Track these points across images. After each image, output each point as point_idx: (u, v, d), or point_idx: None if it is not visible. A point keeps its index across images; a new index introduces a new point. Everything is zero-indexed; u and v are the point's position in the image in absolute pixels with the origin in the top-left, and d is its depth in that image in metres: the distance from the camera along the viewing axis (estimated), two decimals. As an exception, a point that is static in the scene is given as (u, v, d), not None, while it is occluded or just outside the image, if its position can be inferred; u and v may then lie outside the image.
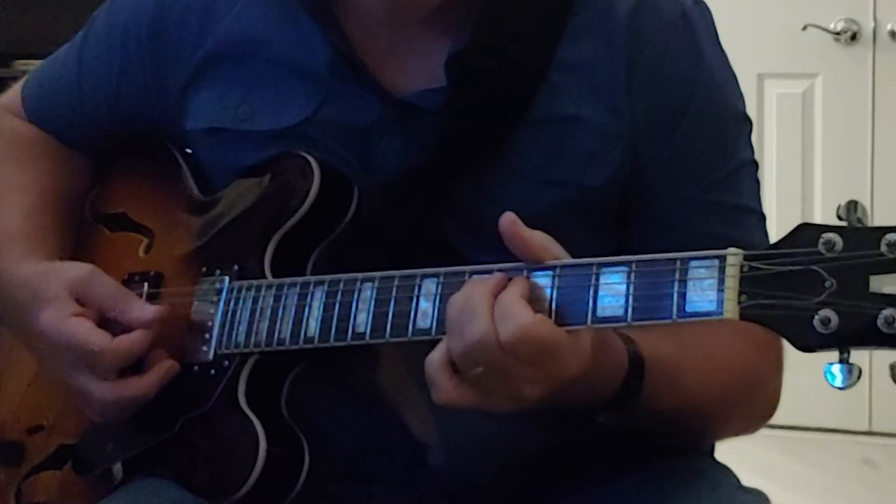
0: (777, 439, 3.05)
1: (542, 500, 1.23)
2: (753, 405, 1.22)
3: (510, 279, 1.02)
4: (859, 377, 0.93)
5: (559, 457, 1.23)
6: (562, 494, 1.22)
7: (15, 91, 1.45)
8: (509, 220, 1.03)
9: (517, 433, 1.19)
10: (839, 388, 0.94)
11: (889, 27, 3.36)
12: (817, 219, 3.48)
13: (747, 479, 1.23)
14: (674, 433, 1.18)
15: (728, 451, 1.29)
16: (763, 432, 1.26)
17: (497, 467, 1.22)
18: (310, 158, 1.20)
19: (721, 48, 1.25)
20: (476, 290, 1.01)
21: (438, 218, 1.20)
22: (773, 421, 1.25)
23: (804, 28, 3.39)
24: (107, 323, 1.19)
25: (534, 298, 1.01)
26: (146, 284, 1.27)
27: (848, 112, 3.42)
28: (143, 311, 1.20)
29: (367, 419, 1.22)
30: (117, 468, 1.24)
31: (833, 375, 0.94)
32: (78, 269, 1.23)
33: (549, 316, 1.00)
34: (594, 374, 1.04)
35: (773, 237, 1.22)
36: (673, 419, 1.14)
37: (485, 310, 0.99)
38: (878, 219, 0.95)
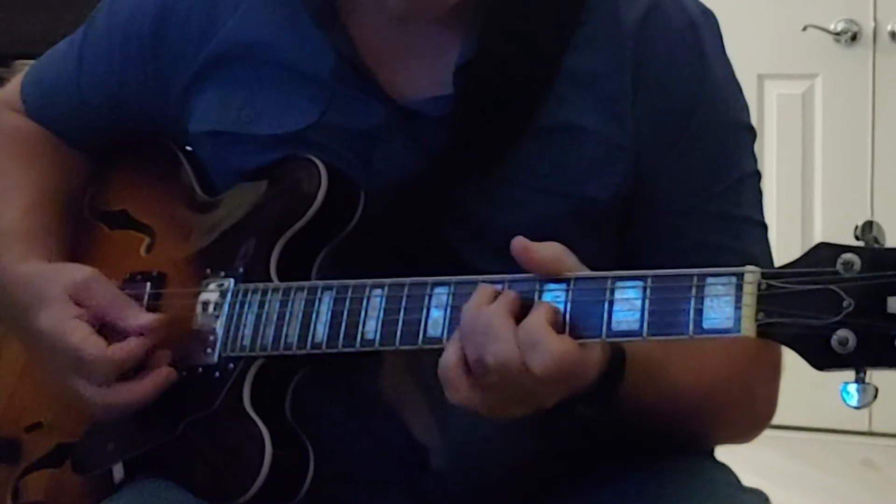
0: (777, 439, 3.04)
1: (543, 502, 1.23)
2: (742, 413, 1.22)
3: (522, 297, 1.03)
4: (875, 397, 0.94)
5: (560, 459, 1.23)
6: (562, 496, 1.23)
7: (14, 86, 1.44)
8: (520, 246, 1.04)
9: (518, 437, 1.19)
10: (855, 408, 0.94)
11: (889, 28, 3.36)
12: (817, 220, 3.51)
13: (747, 479, 1.23)
14: (656, 431, 1.18)
15: (728, 451, 1.29)
16: (763, 432, 1.26)
17: (499, 470, 1.22)
18: (317, 162, 1.19)
19: (727, 58, 1.25)
20: (493, 310, 1.02)
21: (442, 224, 1.20)
22: (773, 421, 1.25)
23: (804, 29, 3.39)
24: (107, 326, 1.19)
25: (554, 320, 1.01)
26: (148, 284, 1.27)
27: (848, 113, 3.42)
28: (141, 319, 1.19)
29: (369, 422, 1.22)
30: (118, 468, 1.23)
31: (849, 394, 0.94)
32: (79, 272, 1.23)
33: (564, 330, 1.01)
34: None
35: (773, 238, 1.23)
36: (653, 416, 1.14)
37: (509, 334, 1.00)
38: (878, 219, 0.95)
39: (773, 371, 1.22)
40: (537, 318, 1.00)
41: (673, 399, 1.14)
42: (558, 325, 1.01)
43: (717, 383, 1.17)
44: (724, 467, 1.26)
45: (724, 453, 1.29)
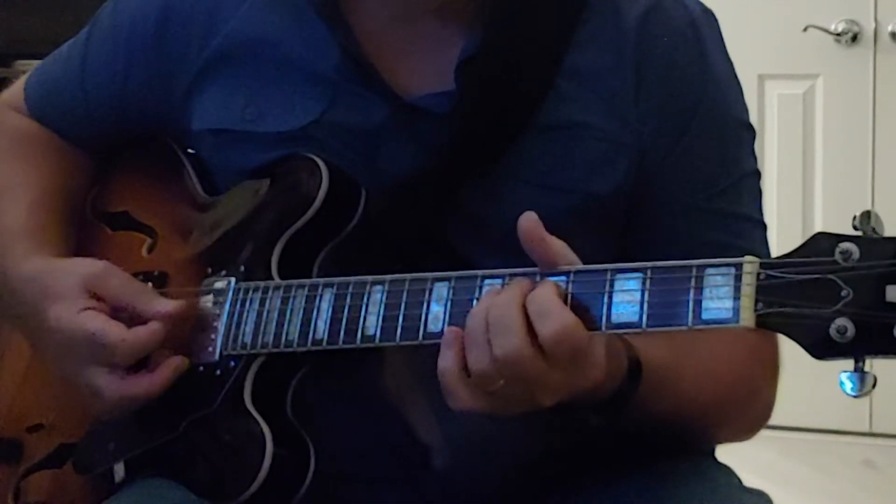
0: (777, 440, 3.05)
1: (544, 502, 1.23)
2: (744, 414, 1.23)
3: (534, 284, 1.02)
4: (873, 386, 0.94)
5: (561, 458, 1.23)
6: (563, 495, 1.23)
7: (17, 87, 1.44)
8: (532, 220, 1.04)
9: (520, 435, 1.19)
10: (853, 396, 0.94)
11: (890, 28, 3.36)
12: (818, 220, 3.51)
13: (747, 479, 1.23)
14: (663, 436, 1.18)
15: (728, 452, 1.29)
16: (763, 433, 1.26)
17: (499, 469, 1.22)
18: (318, 160, 1.19)
19: (727, 57, 1.26)
20: (502, 300, 1.01)
21: (444, 221, 1.20)
22: (773, 421, 1.26)
23: (805, 29, 3.39)
24: (119, 319, 1.18)
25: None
26: (150, 284, 1.26)
27: (849, 113, 3.42)
28: (162, 304, 1.18)
29: (370, 420, 1.21)
30: (119, 468, 1.23)
31: (846, 384, 0.95)
32: (92, 265, 1.22)
33: None
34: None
35: (774, 238, 1.23)
36: (662, 423, 1.15)
37: (518, 322, 0.99)
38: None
39: (774, 370, 1.22)
40: (547, 290, 1.00)
41: (682, 405, 1.15)
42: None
43: (725, 389, 1.18)
44: (725, 468, 1.26)
45: (724, 453, 1.29)
